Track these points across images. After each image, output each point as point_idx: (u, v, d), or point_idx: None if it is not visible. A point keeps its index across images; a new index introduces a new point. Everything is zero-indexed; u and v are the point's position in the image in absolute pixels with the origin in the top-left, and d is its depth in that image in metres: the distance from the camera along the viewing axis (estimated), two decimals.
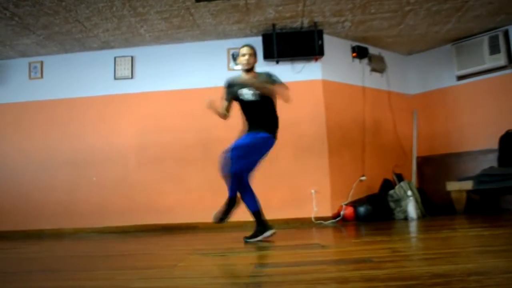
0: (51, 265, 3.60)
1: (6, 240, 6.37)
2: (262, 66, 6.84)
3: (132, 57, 7.18)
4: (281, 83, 4.73)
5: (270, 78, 4.72)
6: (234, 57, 6.97)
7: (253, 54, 4.79)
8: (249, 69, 4.79)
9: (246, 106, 4.78)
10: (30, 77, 7.28)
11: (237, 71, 6.86)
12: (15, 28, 6.24)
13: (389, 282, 2.13)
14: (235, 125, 6.65)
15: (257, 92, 4.65)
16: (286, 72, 6.82)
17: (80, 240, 5.98)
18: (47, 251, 4.88)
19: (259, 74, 4.81)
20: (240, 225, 5.54)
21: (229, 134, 6.59)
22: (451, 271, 2.29)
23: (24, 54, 7.22)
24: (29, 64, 7.29)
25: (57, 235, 6.70)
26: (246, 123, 4.87)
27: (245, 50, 4.76)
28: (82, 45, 7.03)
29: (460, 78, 7.51)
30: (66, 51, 7.19)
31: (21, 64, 7.33)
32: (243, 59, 4.74)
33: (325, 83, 6.91)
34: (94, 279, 2.79)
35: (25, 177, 7.08)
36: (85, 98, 7.15)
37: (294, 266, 2.94)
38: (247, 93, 4.71)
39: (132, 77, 7.15)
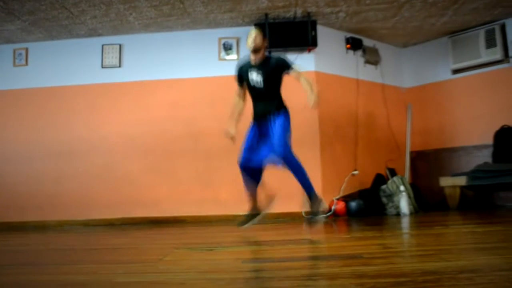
0: (33, 258, 3.50)
1: None
2: None
3: (120, 45, 6.99)
4: (297, 69, 4.69)
5: (284, 63, 4.67)
6: (226, 47, 6.83)
7: (262, 36, 4.66)
8: (257, 50, 4.65)
9: (255, 90, 4.74)
10: (14, 64, 7.06)
11: (228, 61, 6.81)
12: (0, 13, 6.06)
13: (379, 279, 2.08)
14: (225, 116, 6.57)
15: (266, 76, 4.63)
16: None
17: (65, 232, 5.85)
18: (29, 244, 4.77)
19: (270, 58, 4.73)
20: (230, 219, 5.41)
21: (219, 125, 6.51)
22: (442, 268, 2.26)
23: (8, 41, 7.01)
24: (14, 50, 7.07)
25: (41, 227, 6.55)
26: (255, 104, 4.83)
27: (252, 32, 4.66)
28: (69, 32, 6.83)
29: (456, 71, 7.42)
30: (52, 38, 6.99)
31: (5, 51, 7.11)
32: (250, 40, 4.63)
33: (318, 75, 6.78)
34: (76, 273, 2.72)
35: (8, 168, 6.90)
36: (71, 86, 6.96)
37: (283, 261, 2.87)
38: (256, 78, 4.67)
39: (120, 66, 6.96)
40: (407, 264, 2.52)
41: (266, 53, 4.78)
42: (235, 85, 6.67)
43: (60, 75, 7.00)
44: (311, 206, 4.61)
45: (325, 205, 4.66)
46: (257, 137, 4.69)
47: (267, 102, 4.69)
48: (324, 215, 5.40)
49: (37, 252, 4.02)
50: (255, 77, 4.66)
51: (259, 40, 4.62)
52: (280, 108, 4.69)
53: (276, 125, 4.55)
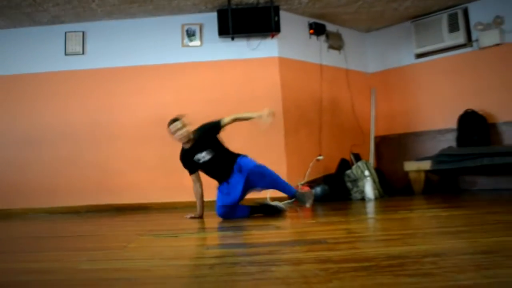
0: None
1: None
2: (217, 43, 6.78)
3: (83, 32, 6.93)
4: (223, 119, 4.80)
5: (210, 127, 4.80)
6: (189, 33, 6.81)
7: (183, 124, 4.68)
8: (188, 139, 4.73)
9: (207, 165, 4.78)
10: None
11: (192, 47, 6.81)
12: None
13: (343, 264, 2.08)
14: (189, 102, 6.62)
15: (210, 149, 4.71)
16: (242, 49, 6.76)
17: (29, 220, 5.85)
18: None
19: (198, 134, 4.78)
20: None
21: (183, 111, 6.48)
22: (406, 253, 2.25)
23: None
24: None
25: (6, 215, 6.50)
26: (214, 175, 4.90)
27: (174, 126, 4.68)
28: (32, 20, 6.77)
29: (419, 56, 7.43)
30: (15, 25, 6.92)
31: None
32: (179, 134, 4.67)
33: (282, 61, 6.79)
34: (40, 260, 2.71)
35: None
36: (35, 74, 6.90)
37: (248, 247, 2.91)
38: (203, 156, 4.73)
39: (83, 53, 6.91)
40: (371, 249, 2.54)
41: (191, 133, 4.76)
42: (197, 73, 6.76)
43: (23, 63, 6.93)
44: (303, 200, 4.91)
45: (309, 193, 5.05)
46: (225, 190, 4.78)
47: (224, 166, 4.77)
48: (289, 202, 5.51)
49: (0, 240, 4.03)
50: (201, 157, 4.72)
51: (186, 130, 4.67)
52: (234, 162, 4.76)
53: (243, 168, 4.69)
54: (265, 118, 4.70)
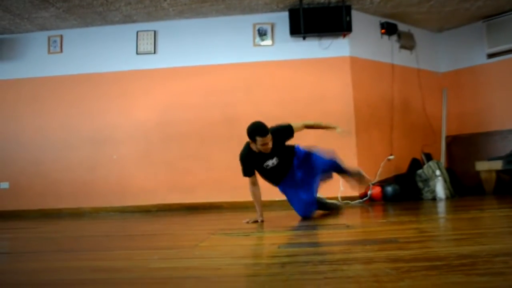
0: (68, 245, 3.53)
1: (24, 219, 6.23)
2: (289, 42, 6.77)
3: (155, 32, 6.98)
4: (296, 125, 4.61)
5: (284, 132, 4.55)
6: (260, 33, 6.81)
7: (270, 137, 4.29)
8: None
9: (272, 170, 4.61)
10: (49, 52, 7.07)
11: (263, 47, 6.81)
12: (34, 0, 6.04)
13: (414, 263, 2.09)
14: (260, 102, 6.62)
15: (279, 155, 4.55)
16: (313, 48, 6.75)
17: (100, 219, 5.88)
18: (65, 231, 4.78)
19: (275, 138, 4.43)
20: (266, 205, 5.36)
21: (254, 110, 6.55)
22: (477, 252, 2.24)
23: (43, 28, 7.00)
24: (48, 38, 7.07)
25: (77, 214, 6.58)
26: (275, 180, 4.78)
27: (265, 140, 4.25)
28: (103, 19, 6.83)
29: (491, 56, 7.37)
30: (87, 24, 6.99)
31: (40, 38, 7.11)
32: (267, 149, 4.35)
33: (353, 60, 6.77)
34: (111, 259, 2.74)
35: (44, 154, 6.92)
36: (106, 73, 6.97)
37: (319, 246, 2.91)
38: (272, 163, 4.53)
39: (155, 52, 6.95)
40: (443, 248, 2.53)
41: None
42: (269, 72, 6.75)
43: (94, 62, 7.00)
44: (358, 178, 4.80)
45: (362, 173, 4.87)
46: (294, 183, 4.70)
47: (286, 167, 4.68)
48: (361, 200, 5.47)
49: (72, 238, 4.05)
50: (271, 163, 4.53)
51: (271, 144, 4.35)
52: (292, 154, 4.69)
53: (302, 158, 4.65)
54: (338, 130, 4.70)
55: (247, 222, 4.40)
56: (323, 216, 4.71)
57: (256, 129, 4.24)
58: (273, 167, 4.54)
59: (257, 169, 4.57)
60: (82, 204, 6.73)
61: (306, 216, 4.56)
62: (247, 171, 4.52)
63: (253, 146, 4.38)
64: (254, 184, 4.57)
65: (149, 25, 6.99)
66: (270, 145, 4.29)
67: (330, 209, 4.83)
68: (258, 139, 4.22)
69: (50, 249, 3.34)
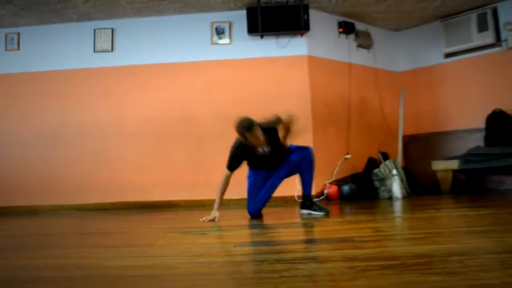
0: (24, 243, 3.51)
1: None
2: (246, 41, 6.76)
3: (112, 30, 6.95)
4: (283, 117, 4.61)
5: (275, 128, 4.60)
6: (218, 31, 6.80)
7: (261, 131, 4.37)
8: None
9: (262, 157, 4.65)
10: (6, 49, 7.01)
11: (221, 45, 6.81)
12: None
13: (370, 262, 2.10)
14: (218, 100, 6.62)
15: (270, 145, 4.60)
16: (271, 47, 6.75)
17: (57, 217, 5.85)
18: (21, 229, 4.77)
19: (265, 133, 4.49)
20: (223, 203, 5.35)
21: (211, 109, 6.58)
22: (433, 251, 2.26)
23: (0, 25, 6.96)
24: (6, 35, 7.01)
25: (34, 212, 6.54)
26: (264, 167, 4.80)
27: (256, 136, 4.32)
28: (61, 16, 6.79)
29: (448, 55, 7.43)
30: (44, 22, 6.94)
31: None
32: (259, 146, 4.50)
33: (311, 59, 6.78)
34: (68, 257, 2.72)
35: (0, 152, 6.89)
36: (63, 71, 6.92)
37: (275, 245, 2.90)
38: (263, 150, 4.59)
39: (112, 50, 6.92)
40: (398, 247, 2.53)
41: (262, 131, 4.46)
42: (226, 71, 6.75)
43: (52, 60, 6.96)
44: (313, 203, 4.69)
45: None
46: (263, 179, 4.75)
47: (277, 158, 4.70)
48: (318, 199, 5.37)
49: (28, 236, 4.03)
50: (261, 150, 4.56)
51: (263, 140, 4.44)
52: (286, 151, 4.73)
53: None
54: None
55: (203, 221, 4.38)
56: (279, 215, 4.79)
57: (242, 127, 4.29)
58: (265, 156, 4.59)
59: (249, 159, 4.66)
60: (39, 202, 6.69)
61: (255, 214, 4.68)
62: (233, 166, 4.57)
63: (246, 141, 4.42)
64: (228, 179, 4.61)
65: (107, 23, 6.95)
66: (261, 138, 4.35)
67: (318, 210, 4.77)
68: (248, 135, 4.28)
69: (5, 247, 3.33)
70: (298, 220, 4.25)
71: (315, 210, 4.57)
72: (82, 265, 2.42)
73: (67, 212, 6.45)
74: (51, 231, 4.40)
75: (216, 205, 4.56)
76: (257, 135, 4.29)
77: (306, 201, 4.67)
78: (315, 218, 4.29)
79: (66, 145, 6.80)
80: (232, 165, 4.56)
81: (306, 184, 4.68)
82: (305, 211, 4.66)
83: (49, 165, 6.80)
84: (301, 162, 4.58)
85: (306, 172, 4.64)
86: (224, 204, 5.39)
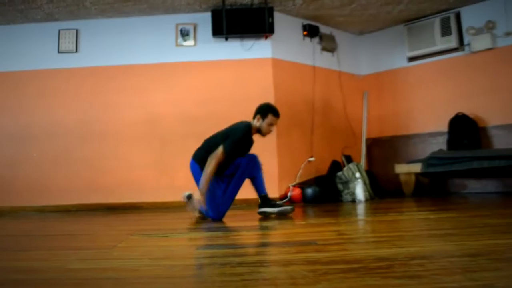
0: None
1: None
2: (211, 43, 6.78)
3: (77, 30, 6.92)
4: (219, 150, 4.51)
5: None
6: (183, 33, 6.81)
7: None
8: None
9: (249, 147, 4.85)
10: None
11: (186, 47, 6.81)
12: None
13: (332, 265, 2.09)
14: (182, 102, 6.63)
15: None
16: (236, 49, 6.77)
17: (18, 219, 5.79)
18: None
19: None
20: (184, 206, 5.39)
21: (175, 111, 6.58)
22: (394, 255, 2.27)
23: None
24: None
25: None
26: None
27: (274, 120, 4.66)
28: (25, 17, 6.75)
29: (411, 59, 7.49)
30: (8, 22, 6.90)
31: None
32: (270, 129, 4.72)
33: (275, 61, 6.81)
34: (29, 259, 2.69)
35: None
36: (27, 71, 6.87)
37: (237, 248, 2.90)
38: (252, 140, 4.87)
39: (76, 51, 6.89)
40: (360, 251, 2.54)
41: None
42: (191, 73, 6.76)
43: (15, 60, 6.91)
44: (273, 204, 4.72)
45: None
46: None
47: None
48: (280, 202, 5.32)
49: None
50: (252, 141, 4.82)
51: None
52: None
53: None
54: None
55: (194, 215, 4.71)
56: (242, 218, 4.78)
57: (274, 108, 4.66)
58: (249, 146, 4.80)
59: (243, 147, 4.70)
60: (0, 203, 6.62)
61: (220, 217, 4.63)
62: (234, 152, 4.53)
63: (254, 126, 4.65)
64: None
65: (71, 23, 6.93)
66: (274, 128, 4.71)
67: (282, 212, 4.76)
68: (271, 117, 4.59)
69: None
70: (261, 223, 4.24)
71: (274, 206, 4.63)
72: (43, 267, 2.40)
73: (28, 214, 6.38)
74: (11, 233, 4.37)
75: (203, 190, 4.45)
76: (275, 124, 4.69)
77: (265, 200, 4.69)
78: (278, 221, 4.31)
79: (29, 145, 6.75)
80: (235, 149, 4.52)
81: (260, 184, 4.72)
82: (269, 210, 4.66)
83: (10, 166, 6.74)
84: (251, 163, 4.65)
85: (258, 173, 4.70)
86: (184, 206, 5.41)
